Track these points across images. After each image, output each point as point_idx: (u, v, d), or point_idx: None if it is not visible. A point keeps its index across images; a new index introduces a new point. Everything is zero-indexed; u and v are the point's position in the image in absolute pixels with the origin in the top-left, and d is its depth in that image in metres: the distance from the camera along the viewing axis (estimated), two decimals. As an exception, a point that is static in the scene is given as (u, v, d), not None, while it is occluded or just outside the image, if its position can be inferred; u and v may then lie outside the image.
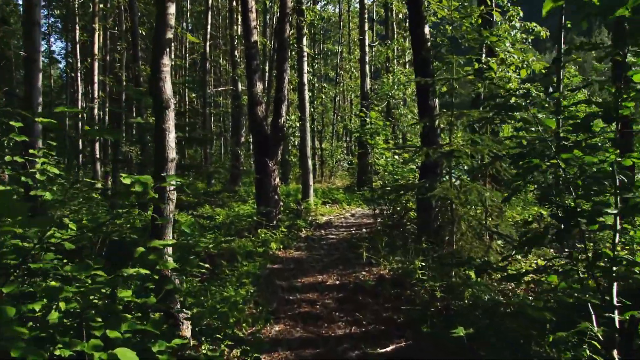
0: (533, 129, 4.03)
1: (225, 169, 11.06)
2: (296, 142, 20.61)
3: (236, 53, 22.06)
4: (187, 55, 30.00)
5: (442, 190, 6.19)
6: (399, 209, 11.65)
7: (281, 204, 12.39)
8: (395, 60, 28.18)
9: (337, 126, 34.80)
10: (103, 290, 3.16)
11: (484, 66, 7.87)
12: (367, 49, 21.88)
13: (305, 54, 15.93)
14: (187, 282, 6.98)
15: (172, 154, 5.04)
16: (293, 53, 22.85)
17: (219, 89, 36.04)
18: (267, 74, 22.85)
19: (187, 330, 4.97)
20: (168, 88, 5.02)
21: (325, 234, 12.69)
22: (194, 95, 33.47)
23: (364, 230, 13.18)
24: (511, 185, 4.08)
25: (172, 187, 4.94)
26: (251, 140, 12.90)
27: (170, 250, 5.16)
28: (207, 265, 7.33)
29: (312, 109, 26.35)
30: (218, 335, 5.58)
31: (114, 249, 7.80)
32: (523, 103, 4.10)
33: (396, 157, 12.37)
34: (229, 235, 11.26)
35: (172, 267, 3.54)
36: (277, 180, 12.05)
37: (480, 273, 5.26)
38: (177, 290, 4.72)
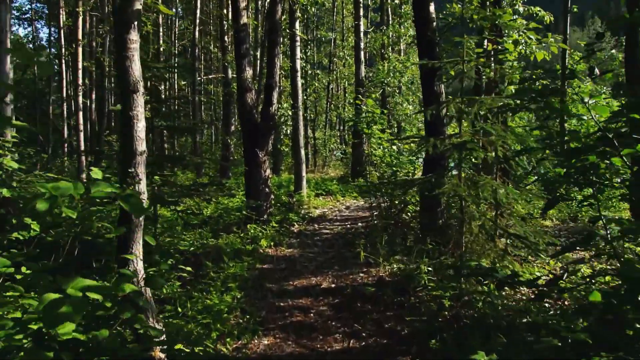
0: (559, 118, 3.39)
1: (213, 160, 10.30)
2: (288, 132, 19.86)
3: (226, 38, 21.17)
4: (177, 41, 29.03)
5: (452, 186, 5.49)
6: (397, 202, 10.97)
7: (272, 197, 11.67)
8: (390, 48, 27.39)
9: (331, 115, 34.02)
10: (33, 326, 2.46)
11: (499, 47, 7.13)
12: (362, 34, 21.08)
13: (298, 38, 15.13)
14: (168, 287, 6.27)
15: (141, 145, 4.30)
16: (286, 40, 22.08)
17: (210, 76, 35.22)
18: (258, 62, 22.04)
19: (159, 351, 4.26)
20: (136, 69, 4.28)
21: (319, 229, 12.00)
22: (183, 82, 32.61)
23: (360, 224, 12.51)
24: (546, 184, 3.38)
25: (142, 190, 4.21)
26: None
27: (139, 264, 4.42)
28: (188, 269, 6.64)
29: (305, 97, 25.55)
30: (198, 349, 4.88)
31: (86, 250, 7.08)
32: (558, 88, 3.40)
33: (394, 147, 11.66)
34: (216, 231, 10.55)
35: (131, 290, 2.82)
36: (268, 171, 11.33)
37: (502, 286, 4.59)
38: (145, 307, 4.01)
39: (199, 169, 22.78)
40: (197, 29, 23.97)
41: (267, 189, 11.25)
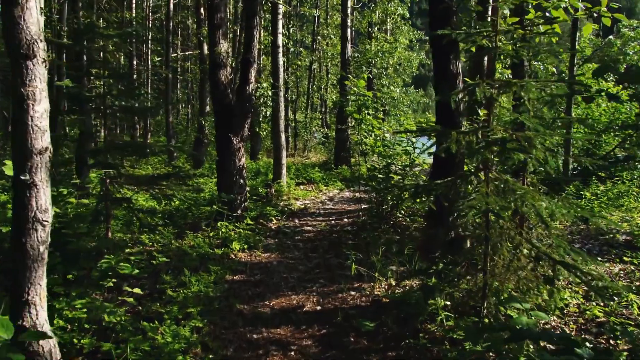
0: None
1: (180, 147, 8.76)
2: (268, 113, 18.35)
3: (202, 10, 19.48)
4: (150, 14, 27.17)
5: (481, 198, 4.13)
6: (389, 197, 9.63)
7: (247, 189, 10.24)
8: (377, 27, 25.92)
9: (313, 96, 32.48)
10: None
11: (546, 15, 5.74)
12: (349, 11, 19.58)
13: (281, 10, 13.61)
14: (110, 317, 4.84)
15: (41, 140, 2.87)
16: (267, 15, 20.47)
17: (186, 52, 33.37)
18: (237, 37, 20.44)
19: None
20: (32, 23, 2.82)
21: (300, 225, 10.63)
22: (158, 59, 30.79)
23: (346, 220, 11.17)
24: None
25: (42, 205, 2.78)
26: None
27: (39, 315, 3.00)
28: (136, 291, 5.22)
29: (287, 77, 23.99)
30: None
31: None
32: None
33: (387, 135, 10.30)
34: (182, 229, 9.12)
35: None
36: (243, 160, 9.88)
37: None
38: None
39: (171, 153, 21.23)
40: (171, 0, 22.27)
41: (241, 181, 9.81)
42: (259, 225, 9.92)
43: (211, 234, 8.72)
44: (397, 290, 6.28)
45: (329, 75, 32.35)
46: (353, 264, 6.75)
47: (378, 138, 10.10)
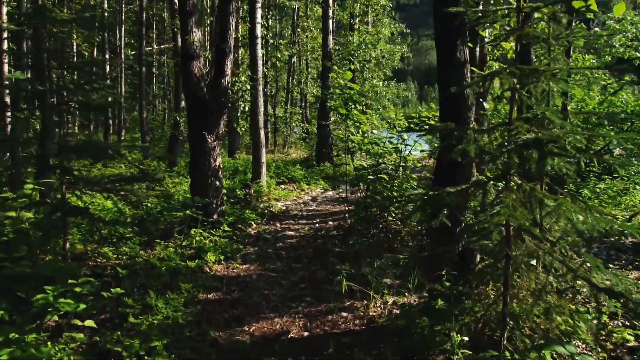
0: None
1: (145, 147, 7.79)
2: (246, 108, 17.42)
3: (176, 1, 18.48)
4: (124, 5, 26.01)
5: (507, 213, 3.35)
6: (379, 198, 8.85)
7: (224, 191, 9.38)
8: (359, 19, 25.10)
9: (293, 90, 31.57)
10: None
11: None
12: (330, 1, 18.72)
13: (259, -2, 12.74)
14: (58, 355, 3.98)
15: None
16: (245, 6, 19.54)
17: (162, 46, 32.26)
18: (214, 30, 19.45)
19: None
20: None
21: (282, 230, 9.81)
22: (132, 53, 29.68)
23: (331, 223, 10.38)
24: None
25: None
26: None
27: None
28: (88, 324, 4.36)
29: (266, 70, 23.05)
30: None
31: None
32: None
33: (374, 132, 9.51)
34: (152, 237, 8.23)
35: None
36: (219, 160, 9.01)
37: None
38: None
39: (146, 149, 20.23)
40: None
41: (217, 182, 8.95)
42: (237, 231, 9.08)
43: (184, 243, 7.86)
44: (395, 310, 5.50)
45: (309, 69, 31.45)
46: (344, 281, 5.94)
47: (365, 135, 9.30)
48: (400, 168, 8.62)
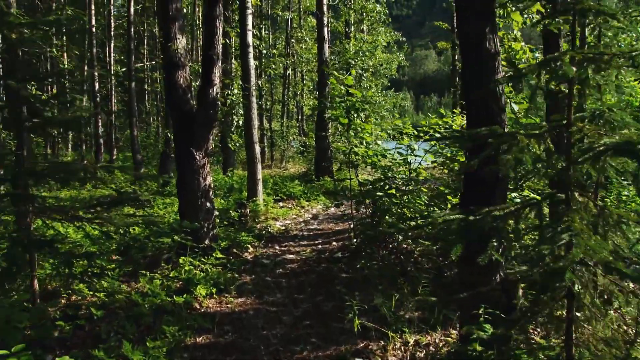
0: None
1: (123, 167, 6.95)
2: (241, 122, 16.52)
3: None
4: (112, 21, 25.24)
5: (582, 243, 2.48)
6: (389, 219, 7.97)
7: (216, 213, 8.50)
8: (354, 27, 24.40)
9: (289, 103, 30.73)
10: None
11: None
12: (324, 7, 17.96)
13: (250, 4, 11.91)
14: None
15: None
16: (235, 16, 18.75)
17: (153, 62, 31.51)
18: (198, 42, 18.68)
19: None
20: None
21: (282, 253, 8.93)
22: (123, 69, 28.88)
23: (335, 243, 9.50)
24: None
25: None
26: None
27: None
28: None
29: (260, 83, 22.23)
30: None
31: None
32: None
33: (378, 142, 8.67)
34: (137, 267, 7.34)
35: None
36: (209, 179, 8.14)
37: None
38: None
39: (138, 166, 19.35)
40: (131, 2, 20.48)
41: (208, 204, 8.07)
42: (232, 257, 8.19)
43: (171, 274, 6.96)
44: (418, 353, 4.61)
45: (305, 81, 30.64)
46: (356, 319, 5.04)
47: (370, 146, 8.43)
48: (412, 182, 7.74)
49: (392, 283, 6.66)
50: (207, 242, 7.97)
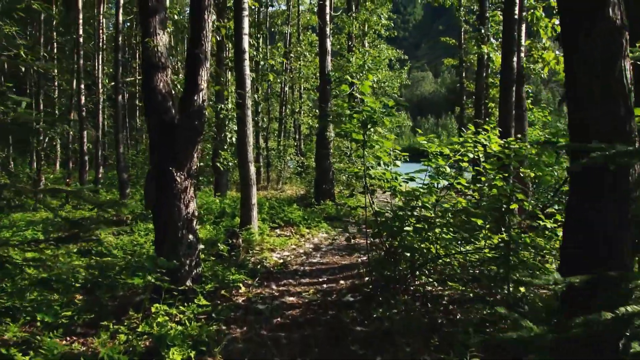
0: None
1: (74, 192, 5.67)
2: (234, 139, 14.99)
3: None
4: (102, 32, 23.88)
5: None
6: (416, 257, 6.48)
7: (201, 247, 6.97)
8: (357, 41, 23.10)
9: (287, 121, 29.24)
10: None
11: None
12: (327, 17, 16.62)
13: (246, 4, 10.51)
14: None
15: None
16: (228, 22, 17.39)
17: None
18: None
19: None
20: None
21: (280, 294, 7.41)
22: (111, 83, 27.47)
23: (343, 282, 8.01)
24: None
25: None
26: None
27: None
28: None
29: (257, 97, 20.76)
30: None
31: None
32: None
33: (397, 163, 7.19)
34: (98, 317, 5.80)
35: None
36: (193, 206, 6.63)
37: None
38: None
39: (123, 185, 17.83)
40: (120, 11, 19.11)
41: (190, 236, 6.55)
42: (219, 301, 6.67)
43: (140, 327, 5.41)
44: None
45: (303, 98, 29.19)
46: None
47: (389, 168, 6.96)
48: (441, 212, 6.26)
49: (422, 340, 5.18)
50: (188, 283, 6.44)
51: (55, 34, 28.77)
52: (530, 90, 12.30)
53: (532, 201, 8.75)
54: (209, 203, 14.40)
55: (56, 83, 30.49)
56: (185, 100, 6.49)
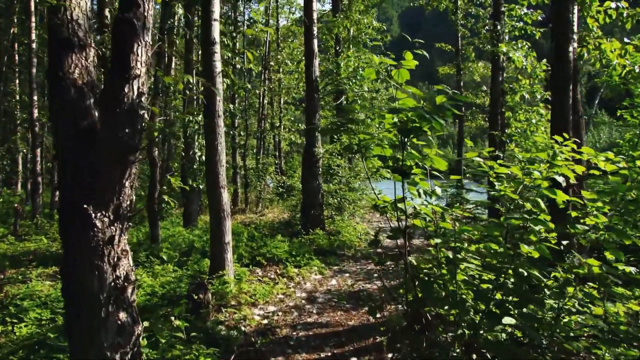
0: None
1: None
2: (203, 158, 12.33)
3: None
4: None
5: None
6: (470, 316, 4.03)
7: (139, 330, 4.37)
8: (346, 46, 20.80)
9: (266, 137, 26.57)
10: None
11: None
12: (314, 15, 14.25)
13: (216, -20, 8.05)
14: None
15: None
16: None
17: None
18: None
19: None
20: None
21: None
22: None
23: (355, 359, 5.53)
24: None
25: None
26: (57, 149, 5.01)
27: None
28: None
29: (232, 107, 18.10)
30: None
31: None
32: None
33: (437, 191, 4.72)
34: None
35: None
36: (126, 265, 4.07)
37: None
38: None
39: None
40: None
41: (122, 316, 4.00)
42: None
43: None
44: None
45: (281, 112, 26.57)
46: None
47: (432, 199, 4.52)
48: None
49: None
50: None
51: (17, 44, 26.35)
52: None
53: None
54: (175, 235, 11.81)
55: (17, 97, 28.05)
56: (110, 93, 3.95)
